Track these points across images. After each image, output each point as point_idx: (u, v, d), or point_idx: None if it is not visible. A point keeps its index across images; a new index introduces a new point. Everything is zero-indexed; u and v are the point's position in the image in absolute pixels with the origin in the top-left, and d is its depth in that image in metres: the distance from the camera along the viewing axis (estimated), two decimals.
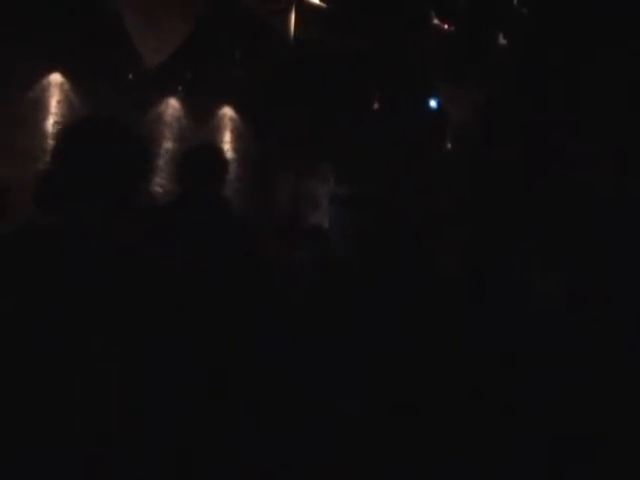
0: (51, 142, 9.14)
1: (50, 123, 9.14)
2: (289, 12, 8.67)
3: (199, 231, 3.27)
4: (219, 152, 3.97)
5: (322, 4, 8.84)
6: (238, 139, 11.37)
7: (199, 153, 3.80)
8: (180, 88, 10.44)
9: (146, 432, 1.98)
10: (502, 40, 10.33)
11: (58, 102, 9.21)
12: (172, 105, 10.48)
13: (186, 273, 2.14)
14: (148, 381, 1.97)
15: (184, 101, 10.57)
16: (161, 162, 10.22)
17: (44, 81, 9.12)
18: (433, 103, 11.58)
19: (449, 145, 11.72)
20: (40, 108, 9.12)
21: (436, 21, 10.37)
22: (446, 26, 10.41)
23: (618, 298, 5.35)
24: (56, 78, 9.19)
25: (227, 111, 11.25)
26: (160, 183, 10.05)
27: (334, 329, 4.02)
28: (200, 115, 10.86)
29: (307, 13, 8.64)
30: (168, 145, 10.42)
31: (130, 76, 9.28)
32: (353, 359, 3.99)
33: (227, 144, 11.12)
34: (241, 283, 2.23)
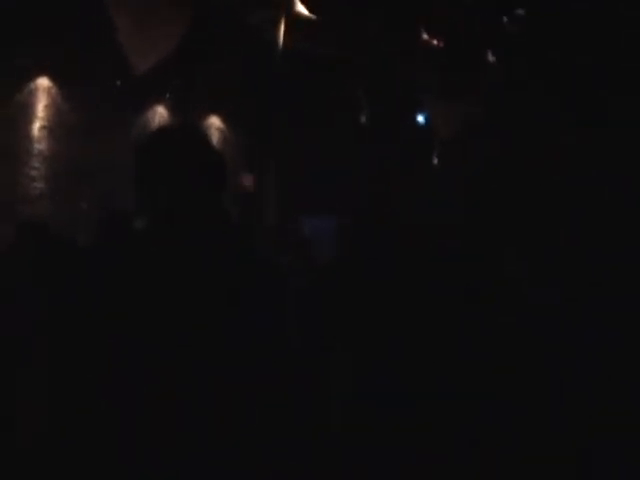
0: (37, 146, 9.08)
1: (37, 127, 9.07)
2: (279, 22, 8.68)
3: (201, 240, 3.23)
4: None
5: (312, 15, 8.83)
6: (225, 150, 11.34)
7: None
8: (168, 95, 10.41)
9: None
10: (491, 57, 10.38)
11: (45, 106, 9.13)
12: (159, 112, 10.43)
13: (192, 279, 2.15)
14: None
15: (172, 109, 10.53)
16: None
17: (32, 84, 9.05)
18: (421, 118, 11.62)
19: (436, 160, 11.75)
20: (27, 112, 9.04)
21: (425, 36, 10.41)
22: (435, 42, 10.45)
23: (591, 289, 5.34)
24: (43, 82, 9.12)
25: (214, 121, 11.22)
26: None
27: (327, 332, 4.03)
28: None
29: (297, 23, 8.65)
30: None
31: (118, 82, 9.24)
32: (345, 360, 3.99)
33: None
34: (248, 287, 2.23)
